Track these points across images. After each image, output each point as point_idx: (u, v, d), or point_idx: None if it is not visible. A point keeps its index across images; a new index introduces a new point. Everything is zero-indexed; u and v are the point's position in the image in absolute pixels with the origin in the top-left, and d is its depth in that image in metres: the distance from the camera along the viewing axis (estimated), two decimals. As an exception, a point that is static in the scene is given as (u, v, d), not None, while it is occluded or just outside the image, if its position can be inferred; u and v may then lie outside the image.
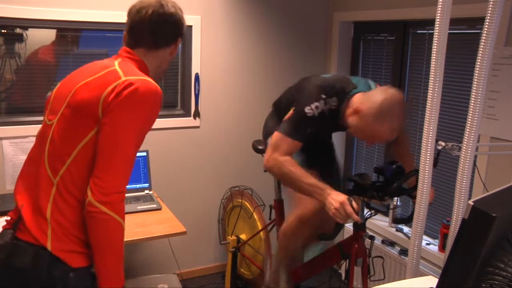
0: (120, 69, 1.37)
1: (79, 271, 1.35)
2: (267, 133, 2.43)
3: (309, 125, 2.00)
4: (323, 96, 1.98)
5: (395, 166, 1.96)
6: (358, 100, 1.95)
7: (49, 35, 2.79)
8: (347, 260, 2.16)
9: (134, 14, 1.47)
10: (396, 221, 2.65)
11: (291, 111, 2.04)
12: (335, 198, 1.85)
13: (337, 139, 3.46)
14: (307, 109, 1.97)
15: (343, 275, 3.28)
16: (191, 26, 3.04)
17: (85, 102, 1.33)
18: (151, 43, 1.48)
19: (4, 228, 1.38)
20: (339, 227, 1.98)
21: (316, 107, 1.97)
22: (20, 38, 2.68)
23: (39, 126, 1.47)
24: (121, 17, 2.80)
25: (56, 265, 1.31)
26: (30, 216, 1.34)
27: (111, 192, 1.29)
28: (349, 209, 1.82)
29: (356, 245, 2.08)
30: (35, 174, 1.40)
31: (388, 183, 1.97)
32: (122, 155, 1.31)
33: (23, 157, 2.65)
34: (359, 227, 2.05)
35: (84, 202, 1.31)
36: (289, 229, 2.32)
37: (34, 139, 1.44)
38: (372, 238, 2.15)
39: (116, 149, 1.31)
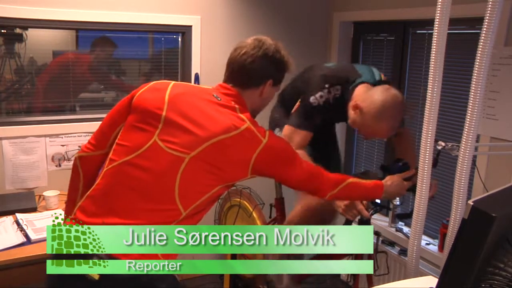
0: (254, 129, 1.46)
1: None
2: (273, 123, 2.45)
3: (315, 114, 2.07)
4: (326, 86, 2.03)
5: (402, 163, 2.00)
6: (360, 94, 1.99)
7: (49, 35, 2.79)
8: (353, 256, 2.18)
9: (232, 52, 1.61)
10: (400, 216, 2.67)
11: (297, 103, 2.09)
12: None
13: (337, 137, 3.45)
14: (311, 99, 2.03)
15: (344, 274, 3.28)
16: (191, 26, 3.04)
17: (232, 162, 1.41)
18: (238, 82, 1.56)
19: None
20: (348, 223, 2.01)
21: (321, 96, 2.03)
22: (20, 38, 2.68)
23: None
24: (122, 17, 2.80)
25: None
26: None
27: None
28: (359, 205, 1.88)
29: None
30: None
31: None
32: None
33: (23, 157, 2.65)
34: (364, 223, 2.07)
35: None
36: (295, 218, 2.34)
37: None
38: (377, 234, 2.18)
39: None
